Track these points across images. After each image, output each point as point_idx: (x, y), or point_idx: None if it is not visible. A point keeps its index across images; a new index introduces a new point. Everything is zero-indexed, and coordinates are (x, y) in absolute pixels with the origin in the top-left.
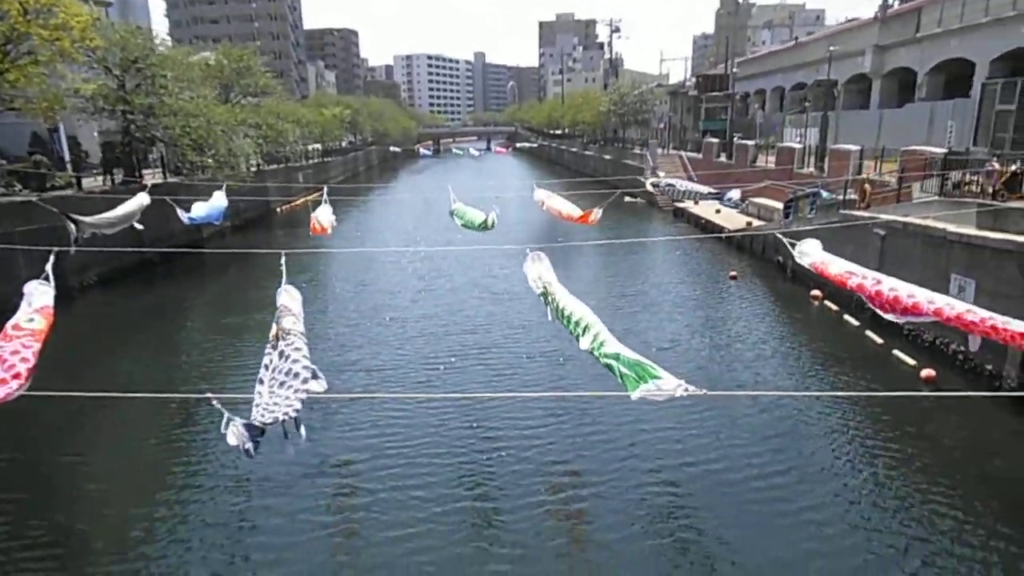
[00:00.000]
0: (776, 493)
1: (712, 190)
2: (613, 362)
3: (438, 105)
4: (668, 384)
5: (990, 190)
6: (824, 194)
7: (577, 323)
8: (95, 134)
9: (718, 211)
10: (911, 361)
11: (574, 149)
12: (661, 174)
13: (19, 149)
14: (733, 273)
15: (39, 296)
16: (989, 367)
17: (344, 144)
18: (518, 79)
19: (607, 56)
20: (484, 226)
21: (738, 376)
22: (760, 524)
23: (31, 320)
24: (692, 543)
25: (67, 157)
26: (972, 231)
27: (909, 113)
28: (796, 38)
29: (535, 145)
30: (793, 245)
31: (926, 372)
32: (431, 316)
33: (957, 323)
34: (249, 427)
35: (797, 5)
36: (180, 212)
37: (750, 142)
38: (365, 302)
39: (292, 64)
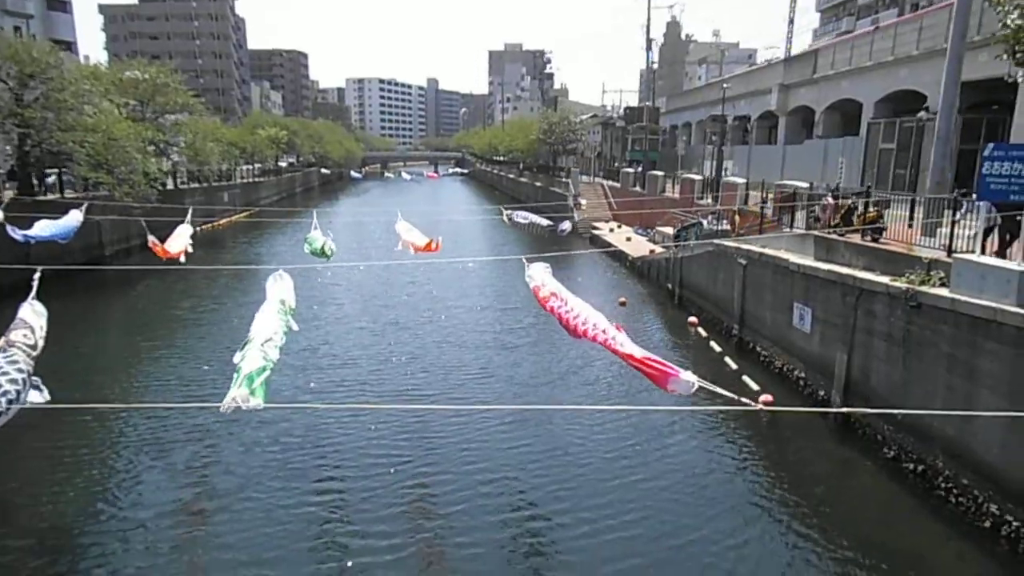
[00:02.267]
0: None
1: (547, 222)
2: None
3: (390, 129)
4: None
5: (829, 223)
6: (705, 223)
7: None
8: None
9: (629, 239)
10: (755, 386)
11: (511, 175)
12: (583, 201)
13: None
14: (622, 300)
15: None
16: (821, 392)
17: (284, 165)
18: (470, 106)
19: (549, 86)
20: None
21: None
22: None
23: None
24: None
25: None
26: (808, 261)
27: (807, 149)
28: (721, 75)
29: (465, 172)
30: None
31: (764, 397)
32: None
33: (611, 350)
34: None
35: (730, 44)
36: (11, 230)
37: (659, 173)
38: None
39: (234, 83)
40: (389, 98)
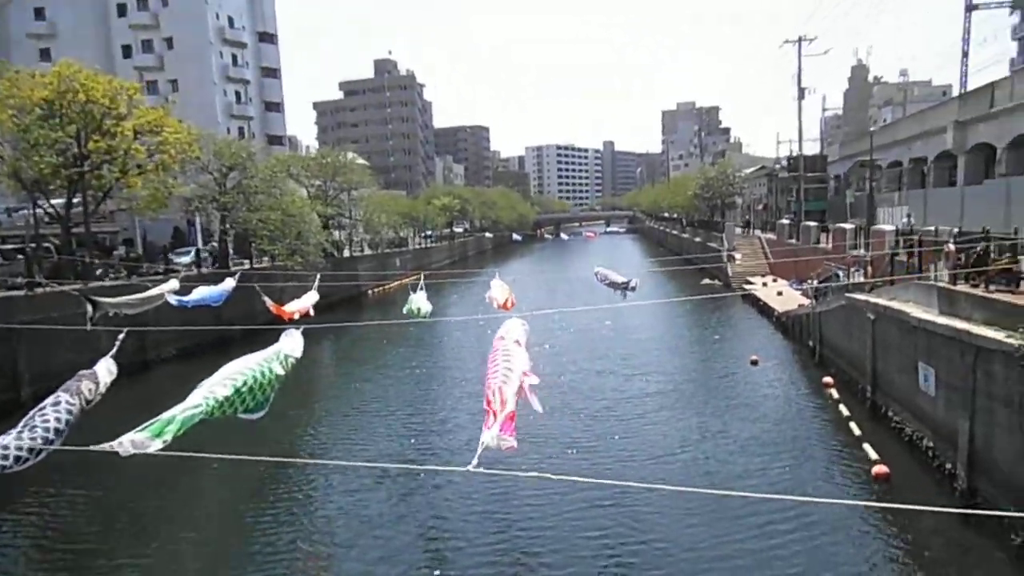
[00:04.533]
0: None
1: (622, 278)
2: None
3: (566, 191)
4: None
5: (952, 273)
6: (841, 275)
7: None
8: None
9: (780, 293)
10: (874, 455)
11: (674, 231)
12: (737, 256)
13: (163, 240)
14: (754, 358)
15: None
16: (948, 465)
17: (460, 230)
18: (645, 165)
19: (728, 140)
20: None
21: (692, 467)
22: None
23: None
24: None
25: (200, 246)
26: (929, 316)
27: (988, 189)
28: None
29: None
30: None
31: (877, 468)
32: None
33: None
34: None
35: (921, 82)
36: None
37: (812, 223)
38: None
39: (419, 159)
40: (566, 162)
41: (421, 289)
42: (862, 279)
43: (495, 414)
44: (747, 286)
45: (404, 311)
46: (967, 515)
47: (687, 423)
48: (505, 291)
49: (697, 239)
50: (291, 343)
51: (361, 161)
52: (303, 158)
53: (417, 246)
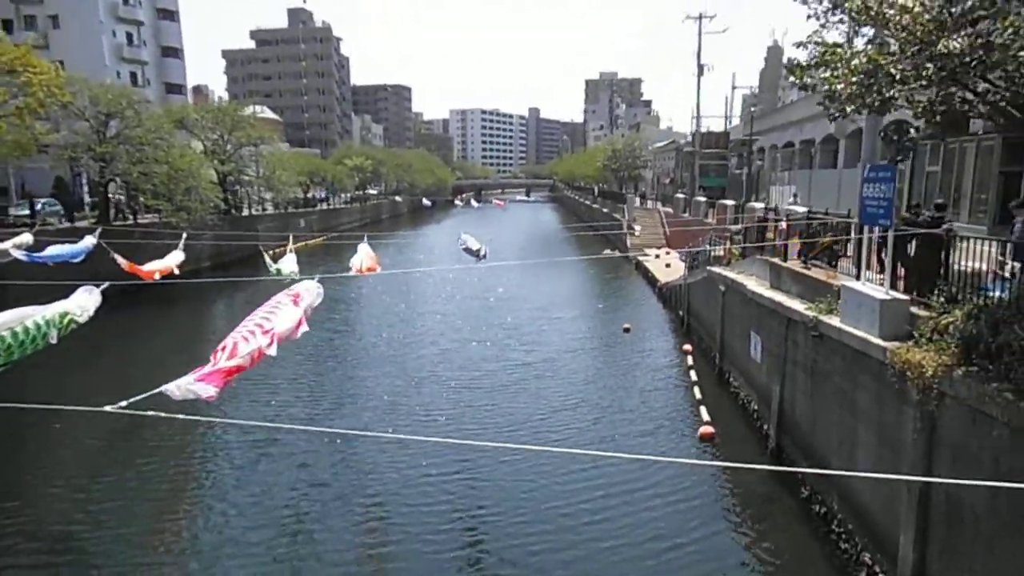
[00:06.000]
0: None
1: (477, 246)
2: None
3: (490, 157)
4: None
5: (780, 249)
6: (709, 249)
7: None
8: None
9: (668, 265)
10: (706, 417)
11: (587, 201)
12: (636, 228)
13: (44, 192)
14: (626, 326)
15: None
16: (765, 426)
17: (374, 193)
18: (571, 133)
19: (648, 113)
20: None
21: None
22: None
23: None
24: None
25: (87, 199)
26: (760, 289)
27: (853, 173)
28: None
29: (542, 198)
30: None
31: (703, 429)
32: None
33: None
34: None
35: None
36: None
37: (702, 199)
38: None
39: (335, 117)
40: (491, 128)
41: (291, 252)
42: (722, 253)
43: (214, 363)
44: (641, 257)
45: (272, 270)
46: (768, 471)
47: (554, 391)
48: (370, 258)
49: (605, 209)
50: (82, 301)
51: (271, 115)
52: (197, 108)
53: (326, 207)
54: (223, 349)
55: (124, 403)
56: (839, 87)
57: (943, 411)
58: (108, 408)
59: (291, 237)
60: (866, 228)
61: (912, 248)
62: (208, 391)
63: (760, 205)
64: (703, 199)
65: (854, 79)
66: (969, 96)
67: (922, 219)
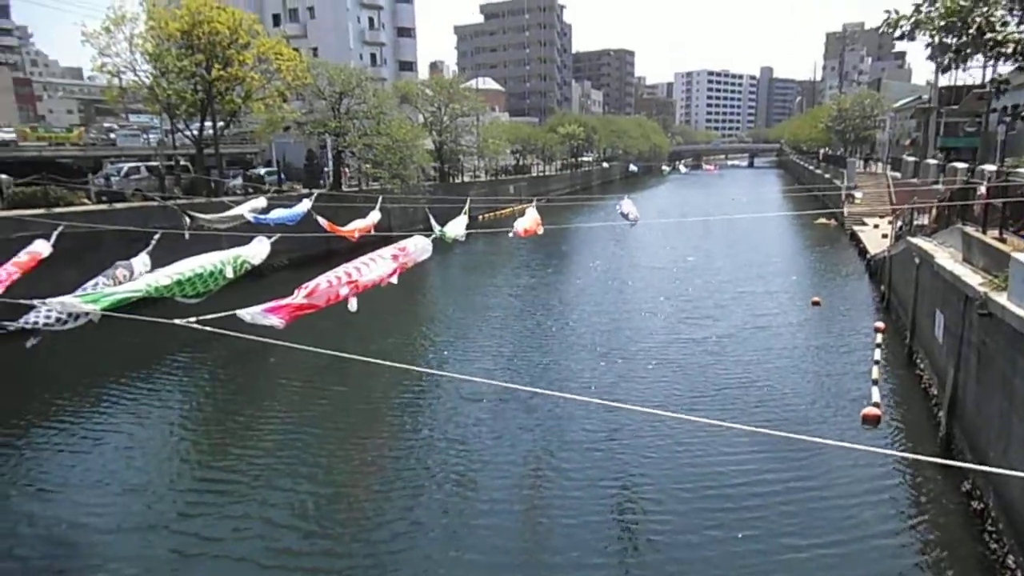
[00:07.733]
0: None
1: (630, 211)
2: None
3: (715, 121)
4: None
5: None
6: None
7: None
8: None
9: (885, 236)
10: (876, 398)
11: (810, 167)
12: (857, 194)
13: (299, 162)
14: (815, 299)
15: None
16: (939, 412)
17: (588, 159)
18: (807, 94)
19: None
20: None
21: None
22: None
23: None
24: None
25: (330, 168)
26: (945, 262)
27: None
28: None
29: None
30: None
31: (867, 410)
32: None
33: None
34: None
35: None
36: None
37: (933, 161)
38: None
39: (555, 85)
40: (718, 90)
41: (465, 214)
42: (926, 222)
43: (293, 297)
44: (858, 227)
45: (437, 233)
46: (926, 462)
47: (731, 368)
48: (534, 222)
49: (828, 175)
50: (254, 250)
51: (494, 86)
52: (416, 84)
53: (536, 174)
54: (304, 287)
55: (194, 319)
56: None
57: None
58: (178, 321)
59: (467, 201)
60: None
61: None
62: (275, 322)
63: (992, 168)
64: (934, 162)
65: None
66: None
67: None
